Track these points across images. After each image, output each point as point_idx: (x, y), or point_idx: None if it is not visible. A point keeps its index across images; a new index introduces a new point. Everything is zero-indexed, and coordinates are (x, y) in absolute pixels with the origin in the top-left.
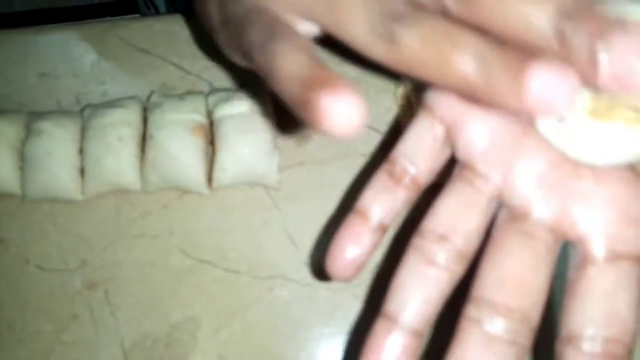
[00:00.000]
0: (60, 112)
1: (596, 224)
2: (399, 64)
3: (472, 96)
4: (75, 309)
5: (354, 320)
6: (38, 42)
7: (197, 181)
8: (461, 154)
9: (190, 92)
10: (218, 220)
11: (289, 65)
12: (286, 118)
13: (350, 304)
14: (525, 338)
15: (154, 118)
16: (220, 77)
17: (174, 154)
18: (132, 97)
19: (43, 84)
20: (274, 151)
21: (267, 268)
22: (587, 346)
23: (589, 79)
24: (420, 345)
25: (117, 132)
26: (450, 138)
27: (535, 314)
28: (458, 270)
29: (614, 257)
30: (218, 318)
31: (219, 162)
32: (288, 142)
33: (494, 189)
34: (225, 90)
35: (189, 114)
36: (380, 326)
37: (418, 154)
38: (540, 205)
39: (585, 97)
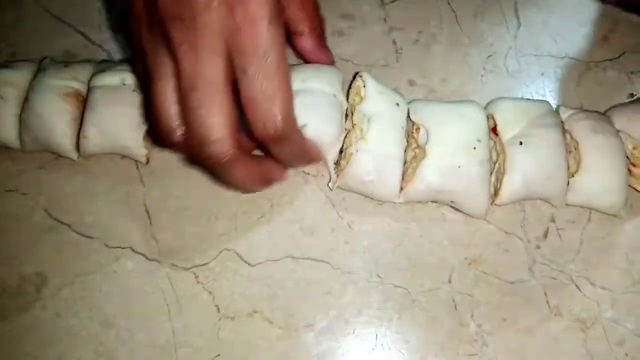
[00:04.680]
0: None
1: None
2: None
3: None
4: None
5: (187, 296)
6: None
7: (63, 146)
8: None
9: (88, 61)
10: (84, 186)
11: None
12: None
13: (188, 282)
14: None
15: (35, 82)
16: (121, 50)
17: (43, 117)
18: (31, 60)
19: None
20: (140, 126)
21: (118, 238)
22: None
23: None
24: None
25: (0, 91)
26: None
27: None
28: None
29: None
30: (63, 277)
31: (82, 129)
32: None
33: None
34: (116, 62)
35: (66, 80)
36: None
37: None
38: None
39: None
